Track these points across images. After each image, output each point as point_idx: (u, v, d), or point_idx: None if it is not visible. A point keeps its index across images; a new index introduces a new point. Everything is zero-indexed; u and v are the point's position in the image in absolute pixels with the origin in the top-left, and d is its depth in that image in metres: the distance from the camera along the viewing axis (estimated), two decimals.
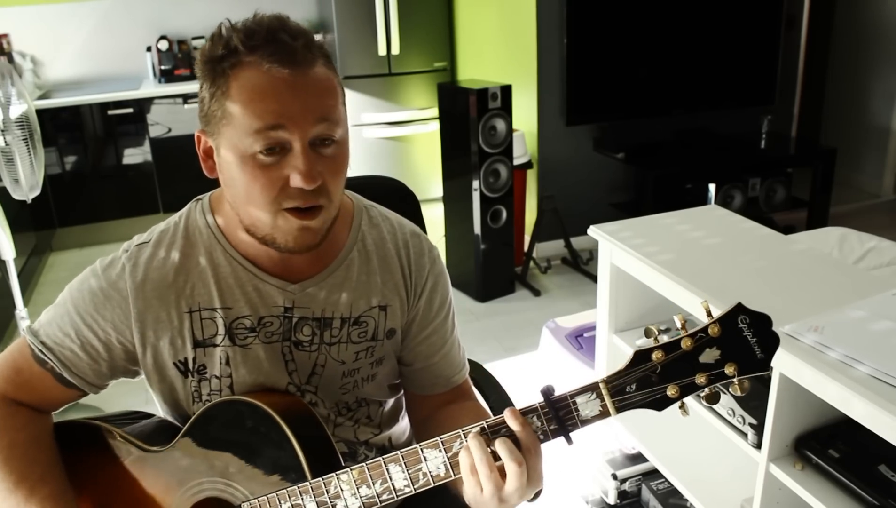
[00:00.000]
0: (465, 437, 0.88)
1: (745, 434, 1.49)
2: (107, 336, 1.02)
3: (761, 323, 0.81)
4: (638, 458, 2.07)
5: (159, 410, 1.15)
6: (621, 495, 2.06)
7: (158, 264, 1.04)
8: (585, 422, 0.85)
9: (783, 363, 1.31)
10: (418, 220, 1.39)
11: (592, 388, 0.84)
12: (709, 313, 0.82)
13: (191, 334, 1.04)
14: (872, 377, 1.19)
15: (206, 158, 1.00)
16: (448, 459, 0.90)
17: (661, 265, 1.68)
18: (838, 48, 5.08)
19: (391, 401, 1.21)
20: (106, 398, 1.19)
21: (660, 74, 3.80)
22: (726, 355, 0.80)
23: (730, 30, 3.86)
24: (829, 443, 1.35)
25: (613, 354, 1.97)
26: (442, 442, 0.90)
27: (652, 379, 0.82)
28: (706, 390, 0.82)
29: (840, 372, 1.22)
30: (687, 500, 1.81)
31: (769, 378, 1.36)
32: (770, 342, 0.81)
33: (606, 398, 0.83)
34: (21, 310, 2.58)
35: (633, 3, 3.67)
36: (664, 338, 0.83)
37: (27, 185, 2.53)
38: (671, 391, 0.82)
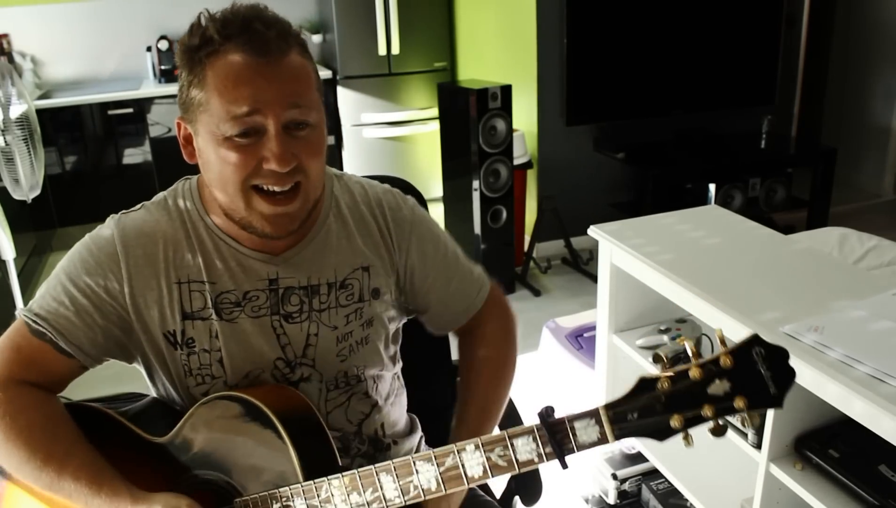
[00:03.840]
0: (459, 453, 0.88)
1: (745, 434, 1.48)
2: (100, 301, 1.03)
3: (777, 357, 0.78)
4: (638, 458, 2.07)
5: (150, 389, 1.15)
6: (621, 495, 2.06)
7: (149, 231, 1.06)
8: (582, 447, 0.83)
9: None
10: None
11: (592, 414, 0.82)
12: (722, 342, 0.79)
13: (179, 305, 1.05)
14: (872, 377, 1.19)
15: (186, 145, 1.04)
16: (440, 474, 0.89)
17: (661, 265, 1.68)
18: (838, 48, 5.08)
19: (388, 378, 1.21)
20: (104, 392, 1.19)
21: (659, 74, 3.80)
22: (737, 387, 0.77)
23: (730, 30, 3.86)
24: (829, 443, 1.35)
25: (613, 354, 1.97)
26: (435, 457, 0.90)
27: (656, 408, 0.79)
28: (712, 423, 0.79)
29: (840, 372, 1.22)
30: (687, 500, 1.81)
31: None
32: (785, 377, 0.77)
33: (606, 424, 0.81)
34: (21, 310, 2.58)
35: (633, 3, 3.67)
36: (668, 370, 0.80)
37: (27, 185, 2.54)
38: (675, 422, 0.79)
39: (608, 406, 0.82)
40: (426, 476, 0.90)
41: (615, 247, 1.84)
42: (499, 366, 1.22)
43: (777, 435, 1.38)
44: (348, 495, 0.94)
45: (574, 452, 0.84)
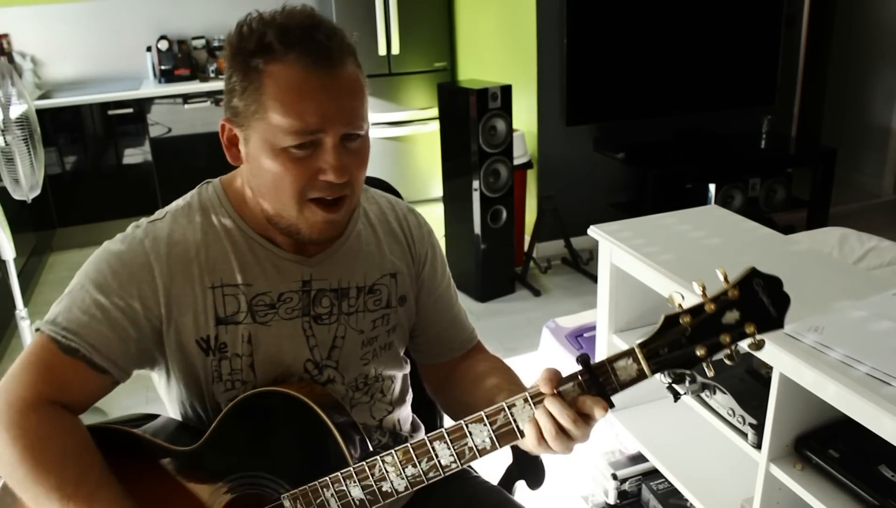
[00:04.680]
0: (510, 409, 0.92)
1: (745, 434, 1.49)
2: (134, 314, 1.00)
3: (774, 285, 0.86)
4: (638, 458, 2.07)
5: (167, 405, 1.15)
6: (621, 495, 2.06)
7: (179, 237, 1.04)
8: (624, 385, 0.90)
9: (783, 363, 1.31)
10: None
11: (629, 353, 0.89)
12: (726, 279, 0.86)
13: (213, 310, 1.03)
14: (872, 378, 1.19)
15: (231, 147, 1.03)
16: (493, 432, 0.93)
17: (662, 265, 1.68)
18: (838, 48, 5.08)
19: (400, 377, 1.23)
20: (106, 398, 1.19)
21: (659, 74, 3.80)
22: (745, 315, 0.85)
23: (730, 29, 3.86)
24: (829, 443, 1.35)
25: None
26: (486, 416, 0.93)
27: (681, 341, 0.87)
28: (728, 349, 0.87)
29: (840, 372, 1.22)
30: (687, 500, 1.81)
31: (769, 378, 1.37)
32: (783, 302, 0.86)
33: (643, 361, 0.88)
34: (21, 310, 2.58)
35: (633, 3, 3.67)
36: (686, 306, 0.88)
37: (27, 185, 2.53)
38: (699, 352, 0.86)
39: (642, 345, 0.88)
40: (480, 436, 0.93)
41: (615, 247, 1.84)
42: (504, 363, 1.23)
43: (777, 435, 1.38)
44: (403, 469, 0.96)
45: (617, 392, 0.90)
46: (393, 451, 0.96)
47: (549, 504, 2.16)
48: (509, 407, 0.92)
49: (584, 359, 0.90)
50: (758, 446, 1.44)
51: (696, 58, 3.84)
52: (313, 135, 0.95)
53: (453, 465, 0.95)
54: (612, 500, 2.07)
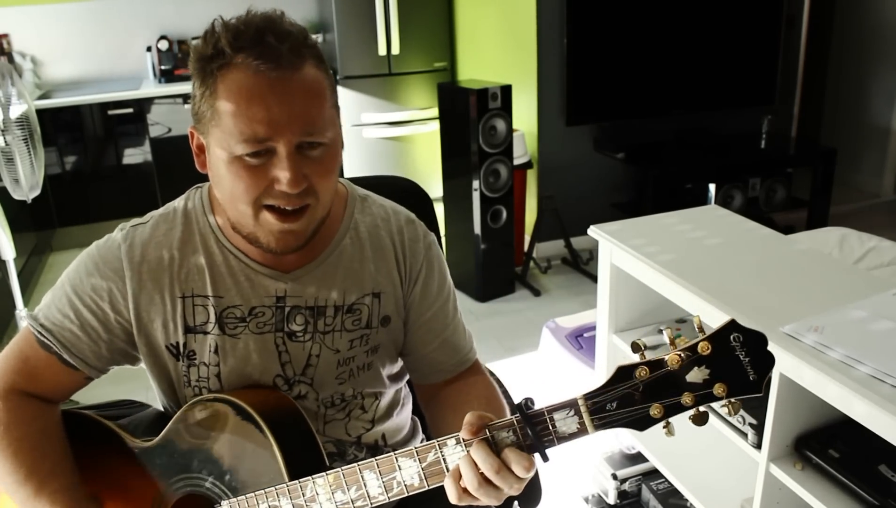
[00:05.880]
0: (441, 448, 0.87)
1: (745, 434, 1.49)
2: (105, 316, 1.03)
3: (755, 342, 0.76)
4: (638, 458, 2.07)
5: (156, 398, 1.16)
6: (621, 495, 2.06)
7: (155, 245, 1.05)
8: (562, 439, 0.82)
9: (783, 363, 1.31)
10: (431, 219, 1.38)
11: (571, 405, 0.80)
12: (700, 329, 0.78)
13: (182, 319, 1.04)
14: (873, 378, 1.19)
15: (199, 154, 1.01)
16: (422, 469, 0.88)
17: (662, 265, 1.68)
18: (838, 48, 5.08)
19: (390, 393, 1.19)
20: (107, 396, 1.19)
21: (660, 74, 3.80)
22: (716, 374, 0.76)
23: (730, 29, 3.86)
24: (829, 443, 1.35)
25: (613, 354, 1.97)
26: (417, 452, 0.88)
27: (634, 397, 0.78)
28: (693, 410, 0.78)
29: (840, 372, 1.22)
30: (687, 500, 1.81)
31: (769, 379, 1.37)
32: (764, 363, 0.76)
33: (585, 415, 0.79)
34: (21, 310, 2.58)
35: (634, 3, 3.67)
36: (650, 355, 0.78)
37: (27, 185, 2.53)
38: (654, 411, 0.77)
39: (587, 397, 0.80)
40: (409, 472, 0.89)
41: (615, 247, 1.84)
42: (493, 390, 1.16)
43: (777, 435, 1.38)
44: (333, 493, 0.93)
45: (554, 444, 0.82)
46: (325, 473, 0.94)
47: (549, 504, 2.16)
48: (440, 446, 0.86)
49: (523, 405, 0.83)
50: (758, 446, 1.44)
51: (696, 58, 3.84)
52: (263, 144, 0.91)
53: (380, 497, 0.91)
54: (612, 500, 2.07)
